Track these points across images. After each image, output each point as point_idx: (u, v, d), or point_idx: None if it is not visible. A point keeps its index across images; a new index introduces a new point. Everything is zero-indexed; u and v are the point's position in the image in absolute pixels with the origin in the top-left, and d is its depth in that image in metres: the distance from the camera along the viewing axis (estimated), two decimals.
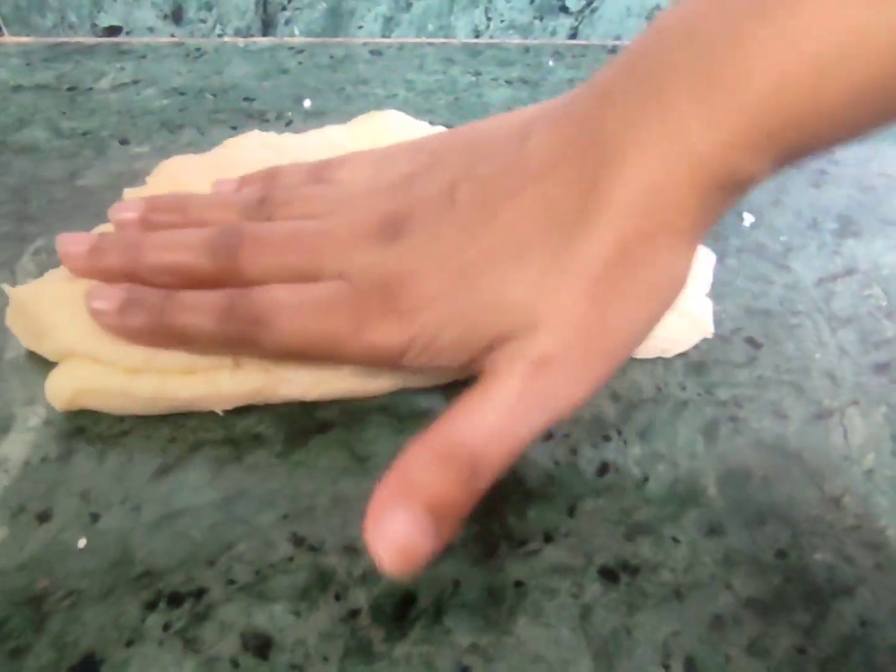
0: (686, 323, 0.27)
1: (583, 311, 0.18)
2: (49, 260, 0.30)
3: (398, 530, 0.17)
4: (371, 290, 0.21)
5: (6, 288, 0.25)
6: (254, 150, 0.30)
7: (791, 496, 0.24)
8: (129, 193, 0.29)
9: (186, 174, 0.29)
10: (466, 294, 0.19)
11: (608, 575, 0.21)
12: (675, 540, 0.22)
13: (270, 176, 0.28)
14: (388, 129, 0.33)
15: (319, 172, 0.26)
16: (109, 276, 0.24)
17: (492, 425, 0.18)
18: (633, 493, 0.23)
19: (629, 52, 0.19)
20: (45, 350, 0.24)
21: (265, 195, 0.25)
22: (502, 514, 0.22)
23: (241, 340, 0.22)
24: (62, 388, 0.23)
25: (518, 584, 0.21)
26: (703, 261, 0.28)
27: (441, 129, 0.33)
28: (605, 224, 0.18)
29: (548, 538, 0.22)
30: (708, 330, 0.27)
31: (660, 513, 0.23)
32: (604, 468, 0.24)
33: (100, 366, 0.23)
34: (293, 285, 0.22)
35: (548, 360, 0.18)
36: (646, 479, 0.24)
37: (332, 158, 0.27)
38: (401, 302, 0.20)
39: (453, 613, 0.20)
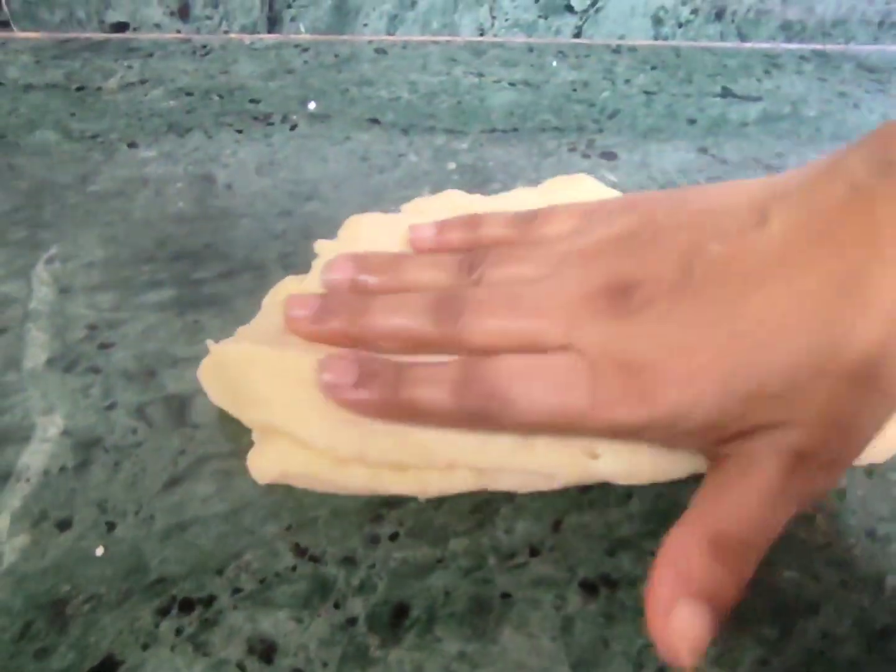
0: None
1: (839, 411, 0.18)
2: (63, 268, 0.31)
3: (687, 627, 0.18)
4: (609, 368, 0.20)
5: (209, 343, 0.25)
6: (444, 214, 0.29)
7: None
8: (321, 246, 0.29)
9: (374, 231, 0.29)
10: (716, 380, 0.19)
11: (589, 588, 0.23)
12: (655, 555, 0.24)
13: (471, 225, 0.27)
14: (580, 195, 0.31)
15: (525, 226, 0.26)
16: (332, 339, 0.24)
17: (757, 516, 0.18)
18: (616, 508, 0.25)
19: (874, 142, 0.19)
20: (245, 417, 0.24)
21: (475, 257, 0.25)
22: (492, 529, 0.24)
23: (477, 416, 0.22)
24: (268, 469, 0.23)
25: (505, 595, 0.22)
26: None
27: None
28: (868, 327, 0.18)
29: (534, 552, 0.23)
30: None
31: (641, 528, 0.24)
32: (589, 484, 0.25)
33: (306, 451, 0.23)
34: (525, 357, 0.22)
35: (805, 455, 0.19)
36: (629, 496, 0.25)
37: (535, 211, 0.26)
38: (643, 382, 0.20)
39: (444, 623, 0.22)
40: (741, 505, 0.19)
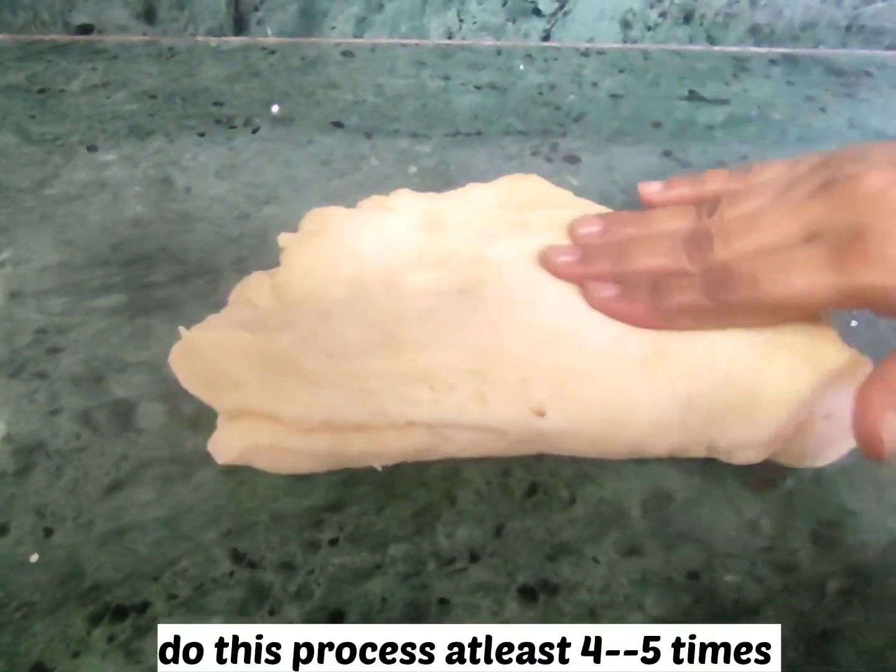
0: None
1: None
2: (14, 273, 0.31)
3: (892, 431, 0.21)
4: (846, 241, 0.23)
5: (181, 330, 0.25)
6: (401, 209, 0.30)
7: (710, 518, 0.25)
8: (285, 239, 0.29)
9: (340, 224, 0.29)
10: None
11: (528, 593, 0.23)
12: (596, 560, 0.24)
13: (697, 181, 0.30)
14: (531, 194, 0.33)
15: (743, 176, 0.29)
16: (597, 279, 0.27)
17: None
18: (559, 513, 0.25)
19: None
20: (218, 402, 0.24)
21: (710, 204, 0.28)
22: (433, 533, 0.24)
23: (732, 305, 0.25)
24: (233, 447, 0.24)
25: (442, 601, 0.22)
26: None
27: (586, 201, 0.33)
28: None
29: (474, 557, 0.23)
30: None
31: (583, 533, 0.24)
32: (533, 489, 0.25)
33: (273, 425, 0.23)
34: (769, 253, 0.25)
35: None
36: (573, 501, 0.25)
37: (747, 166, 0.29)
38: (886, 249, 0.22)
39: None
40: None
